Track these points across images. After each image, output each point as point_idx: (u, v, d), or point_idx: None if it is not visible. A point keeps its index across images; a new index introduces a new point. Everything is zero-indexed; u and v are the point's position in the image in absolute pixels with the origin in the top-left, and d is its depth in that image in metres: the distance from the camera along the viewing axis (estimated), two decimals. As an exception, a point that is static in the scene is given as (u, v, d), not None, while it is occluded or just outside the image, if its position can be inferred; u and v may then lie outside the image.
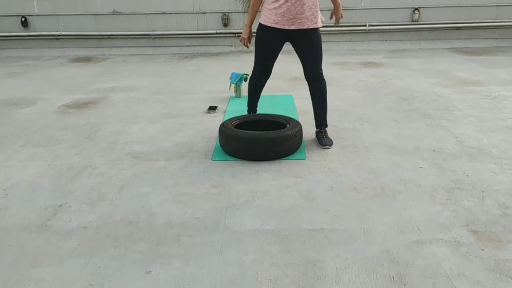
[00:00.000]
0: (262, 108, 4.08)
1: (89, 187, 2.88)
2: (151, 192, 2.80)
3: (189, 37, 8.70)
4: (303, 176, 2.98)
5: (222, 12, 8.56)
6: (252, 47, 3.61)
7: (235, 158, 3.27)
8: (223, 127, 3.39)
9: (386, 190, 2.75)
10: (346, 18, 8.59)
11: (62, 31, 8.63)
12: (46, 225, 2.43)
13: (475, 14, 8.46)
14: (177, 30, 8.67)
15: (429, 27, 8.54)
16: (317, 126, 3.63)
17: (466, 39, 8.56)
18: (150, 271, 2.03)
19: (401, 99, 4.85)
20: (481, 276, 1.94)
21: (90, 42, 8.71)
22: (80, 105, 4.93)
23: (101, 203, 2.67)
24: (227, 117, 4.17)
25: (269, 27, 3.37)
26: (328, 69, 6.64)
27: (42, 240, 2.30)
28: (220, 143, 3.43)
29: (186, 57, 8.22)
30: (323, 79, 3.53)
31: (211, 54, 8.44)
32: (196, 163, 3.25)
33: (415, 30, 8.58)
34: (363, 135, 3.75)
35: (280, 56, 3.63)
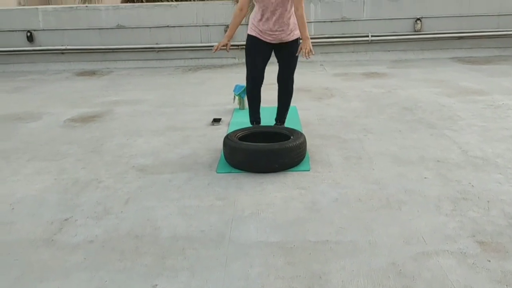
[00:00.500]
0: (266, 119, 4.11)
1: (95, 201, 2.89)
2: (157, 205, 2.81)
3: (193, 50, 8.78)
4: (308, 188, 2.98)
5: (225, 25, 8.62)
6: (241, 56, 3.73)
7: (239, 170, 3.28)
8: (227, 140, 3.40)
9: (391, 201, 2.75)
10: (349, 29, 8.76)
11: (67, 45, 8.73)
12: (52, 239, 2.44)
13: (477, 24, 8.49)
14: (180, 43, 8.75)
15: (432, 37, 8.58)
16: (276, 120, 4.13)
17: (468, 48, 8.58)
18: (156, 285, 2.03)
19: (405, 109, 4.86)
20: (488, 288, 1.93)
21: (95, 55, 8.79)
22: (86, 119, 4.96)
23: (107, 217, 2.68)
24: (231, 129, 4.19)
25: (254, 36, 3.84)
26: (332, 81, 6.70)
27: (48, 254, 2.31)
28: (225, 155, 3.45)
29: (190, 70, 8.28)
30: (292, 84, 4.01)
31: (215, 67, 8.50)
32: (201, 175, 3.26)
33: (418, 40, 8.62)
34: (367, 145, 3.76)
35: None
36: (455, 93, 5.52)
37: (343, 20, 8.51)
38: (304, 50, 3.59)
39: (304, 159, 3.42)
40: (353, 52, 8.69)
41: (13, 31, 8.73)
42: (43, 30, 8.74)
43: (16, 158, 3.76)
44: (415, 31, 8.59)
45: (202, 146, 3.90)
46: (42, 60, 8.79)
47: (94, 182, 3.19)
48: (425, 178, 3.07)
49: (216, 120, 4.64)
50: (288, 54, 3.84)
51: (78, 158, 3.71)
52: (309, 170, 3.26)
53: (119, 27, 8.69)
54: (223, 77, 7.34)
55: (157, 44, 8.73)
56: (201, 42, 8.74)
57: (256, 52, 3.85)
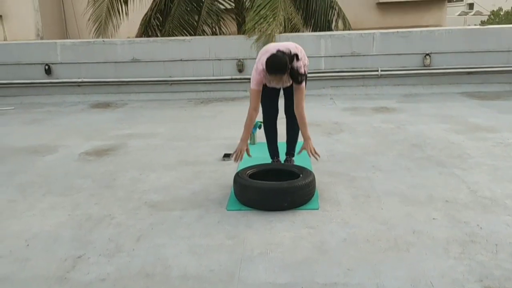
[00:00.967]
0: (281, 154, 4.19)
1: (107, 238, 2.96)
2: (167, 243, 2.86)
3: (205, 83, 8.97)
4: (316, 227, 3.02)
5: (237, 59, 8.84)
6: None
7: (249, 208, 3.33)
8: (238, 177, 3.47)
9: (399, 243, 2.77)
10: (359, 63, 8.90)
11: (84, 78, 8.98)
12: (65, 277, 2.50)
13: (487, 59, 8.57)
14: (193, 76, 8.95)
15: (441, 72, 8.67)
16: (286, 154, 4.20)
17: (478, 83, 8.64)
18: (166, 326, 2.06)
19: (414, 146, 4.90)
20: (496, 336, 1.93)
21: (110, 88, 9.03)
22: (100, 152, 5.08)
23: (119, 255, 2.73)
24: (242, 164, 4.26)
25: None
26: (341, 115, 6.78)
27: (61, 292, 2.36)
28: (235, 193, 3.51)
29: (202, 102, 8.44)
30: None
31: (226, 99, 8.66)
32: (211, 212, 3.32)
33: (427, 75, 8.72)
34: (376, 184, 3.79)
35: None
36: (465, 130, 5.56)
37: (353, 55, 8.66)
38: (308, 152, 3.71)
39: (313, 197, 3.47)
40: (362, 85, 8.80)
41: (32, 64, 9.03)
42: (61, 63, 9.02)
43: (32, 192, 3.86)
44: (424, 66, 8.69)
45: (213, 182, 3.97)
46: (59, 92, 9.05)
47: (107, 219, 3.26)
48: (433, 219, 3.09)
49: (227, 155, 4.71)
50: (294, 91, 3.74)
51: (92, 193, 3.79)
52: (318, 209, 3.30)
53: (134, 60, 8.94)
54: (235, 110, 7.46)
55: (170, 77, 8.94)
56: (213, 75, 8.94)
57: (265, 91, 3.80)
